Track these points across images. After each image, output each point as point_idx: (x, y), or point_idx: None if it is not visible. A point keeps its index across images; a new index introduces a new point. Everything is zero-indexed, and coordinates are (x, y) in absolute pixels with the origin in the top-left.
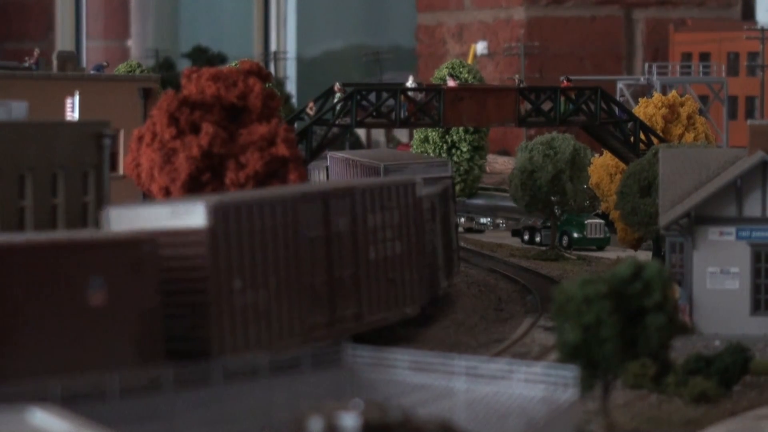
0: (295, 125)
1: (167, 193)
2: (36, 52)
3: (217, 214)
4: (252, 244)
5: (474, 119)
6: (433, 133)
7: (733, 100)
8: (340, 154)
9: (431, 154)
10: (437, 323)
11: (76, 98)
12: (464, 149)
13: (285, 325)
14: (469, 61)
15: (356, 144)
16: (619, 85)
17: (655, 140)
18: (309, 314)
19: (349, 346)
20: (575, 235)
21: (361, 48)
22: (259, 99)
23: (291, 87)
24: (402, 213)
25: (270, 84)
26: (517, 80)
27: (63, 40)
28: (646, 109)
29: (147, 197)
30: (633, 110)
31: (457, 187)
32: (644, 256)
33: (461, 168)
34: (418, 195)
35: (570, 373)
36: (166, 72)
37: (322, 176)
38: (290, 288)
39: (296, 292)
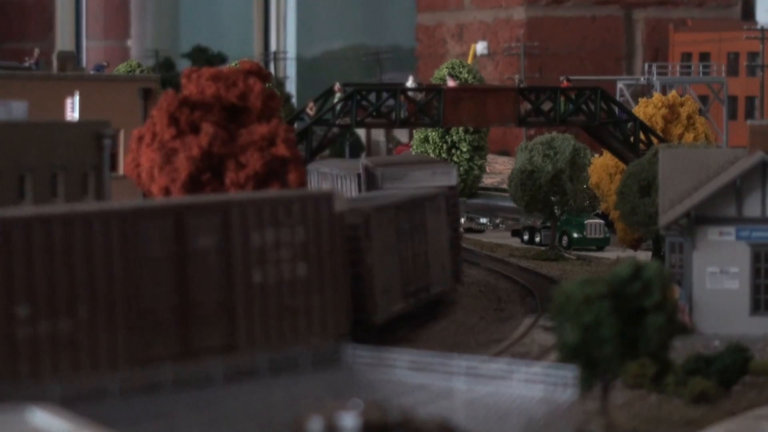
0: (295, 125)
1: (167, 193)
2: (36, 52)
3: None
4: (51, 265)
5: (474, 119)
6: (433, 134)
7: (733, 100)
8: (329, 163)
9: (431, 155)
10: (437, 323)
11: (76, 98)
12: (464, 149)
13: (102, 357)
14: (469, 61)
15: (356, 144)
16: (619, 85)
17: (654, 140)
18: (143, 345)
19: (348, 346)
20: (575, 235)
21: (361, 48)
22: (259, 99)
23: (291, 87)
24: (310, 230)
25: (270, 84)
26: (516, 80)
27: (63, 40)
28: (645, 109)
29: (147, 197)
30: (633, 110)
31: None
32: (644, 256)
33: (461, 168)
34: (338, 209)
35: (569, 373)
36: (166, 72)
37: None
38: (113, 315)
39: (123, 320)
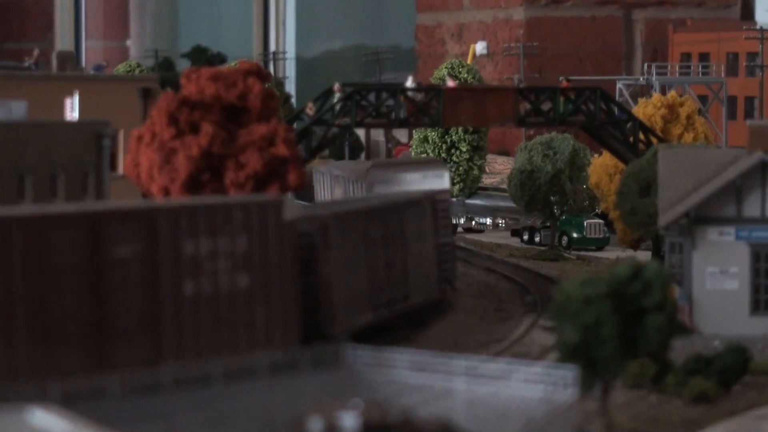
0: (295, 125)
1: (167, 194)
2: (35, 52)
3: None
4: None
5: (473, 119)
6: (433, 133)
7: (732, 101)
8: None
9: (430, 155)
10: (437, 323)
11: (76, 98)
12: (463, 149)
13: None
14: (469, 61)
15: (356, 144)
16: (619, 85)
17: (654, 140)
18: (48, 357)
19: (348, 346)
20: (574, 235)
21: (360, 48)
22: (259, 99)
23: (290, 87)
24: (254, 239)
25: (269, 84)
26: (516, 80)
27: (62, 40)
28: (645, 110)
29: (147, 198)
30: (632, 110)
31: (457, 187)
32: (644, 256)
33: (460, 168)
34: (289, 217)
35: (569, 373)
36: (165, 72)
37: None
38: (12, 327)
39: (24, 332)
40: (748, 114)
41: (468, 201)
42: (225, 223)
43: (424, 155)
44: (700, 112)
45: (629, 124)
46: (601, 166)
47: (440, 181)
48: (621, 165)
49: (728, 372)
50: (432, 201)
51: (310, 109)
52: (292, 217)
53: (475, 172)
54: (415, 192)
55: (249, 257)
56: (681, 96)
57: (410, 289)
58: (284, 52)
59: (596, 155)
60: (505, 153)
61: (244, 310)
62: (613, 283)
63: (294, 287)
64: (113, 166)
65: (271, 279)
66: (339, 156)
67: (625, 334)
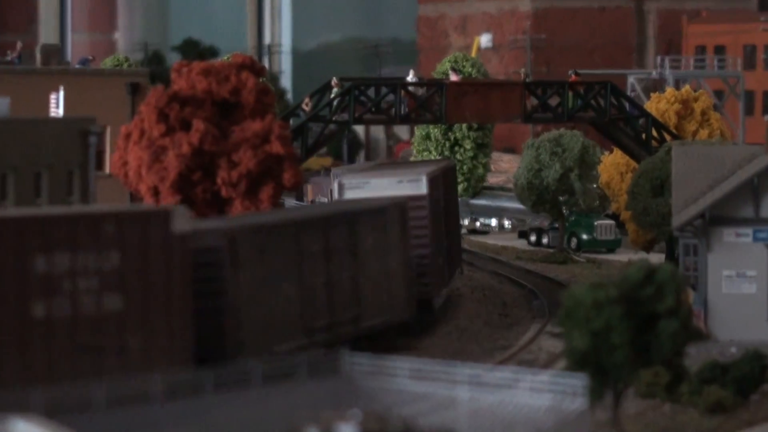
0: (291, 122)
1: (156, 193)
2: (18, 45)
3: None
4: None
5: (478, 115)
6: (435, 130)
7: (749, 95)
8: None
9: (433, 152)
10: (439, 330)
11: (61, 94)
12: (468, 147)
13: None
14: (473, 54)
15: (354, 142)
16: (630, 79)
17: (667, 137)
18: None
19: (347, 353)
20: (584, 236)
21: (359, 41)
22: (253, 94)
23: (286, 82)
24: (131, 255)
25: (264, 79)
26: (523, 74)
27: (46, 33)
28: (658, 105)
29: (134, 198)
30: (644, 106)
31: (461, 186)
32: (657, 258)
33: (464, 166)
34: (182, 229)
35: (579, 381)
36: (154, 66)
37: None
38: None
39: None
40: (766, 109)
41: (472, 201)
42: (89, 236)
43: (426, 153)
44: (715, 107)
45: (641, 120)
46: (612, 165)
47: (416, 186)
48: (633, 163)
49: (746, 380)
50: (401, 209)
51: (307, 105)
52: (186, 230)
53: (480, 170)
54: (377, 199)
55: (122, 276)
56: (696, 90)
57: (363, 311)
58: (279, 45)
59: (607, 153)
60: (512, 151)
61: (113, 335)
62: (625, 286)
63: (186, 310)
64: (100, 164)
65: (153, 301)
66: (337, 154)
67: (637, 340)
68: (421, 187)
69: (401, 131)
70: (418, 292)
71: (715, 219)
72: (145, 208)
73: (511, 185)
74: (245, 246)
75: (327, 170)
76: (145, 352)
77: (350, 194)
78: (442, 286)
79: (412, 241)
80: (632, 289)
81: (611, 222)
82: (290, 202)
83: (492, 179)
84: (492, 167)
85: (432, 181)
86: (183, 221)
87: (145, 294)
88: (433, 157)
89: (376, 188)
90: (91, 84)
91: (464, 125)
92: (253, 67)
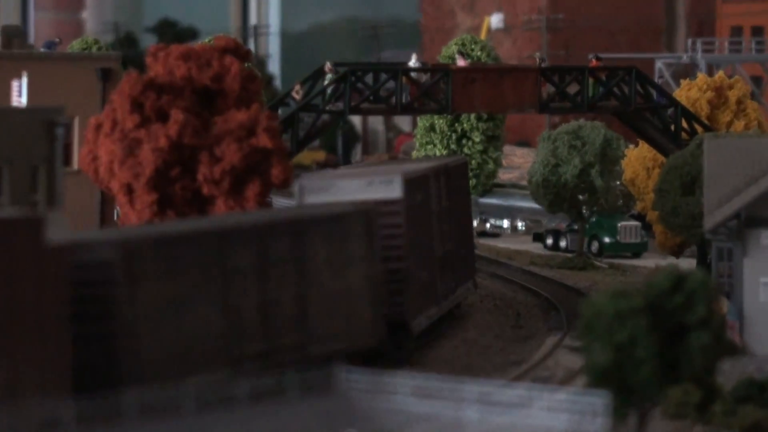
0: (279, 112)
1: (130, 191)
2: None
3: None
4: None
5: (488, 104)
6: (441, 121)
7: None
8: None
9: (437, 146)
10: (446, 343)
11: (24, 81)
12: (477, 139)
13: None
14: (482, 36)
15: (350, 134)
16: (658, 64)
17: (699, 129)
18: None
19: (342, 368)
20: (606, 239)
21: (355, 21)
22: (237, 81)
23: (274, 67)
24: None
25: (249, 64)
26: (538, 59)
27: (6, 13)
28: (689, 93)
29: (106, 196)
30: (674, 94)
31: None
32: (687, 264)
33: (473, 162)
34: (56, 241)
35: (600, 400)
36: (127, 49)
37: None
38: None
39: None
40: None
41: (482, 200)
42: None
43: (430, 147)
44: (752, 95)
45: (670, 110)
46: (638, 159)
47: (389, 189)
48: (660, 158)
49: None
50: (366, 216)
51: (297, 93)
52: (64, 242)
53: (490, 166)
54: (335, 205)
55: None
56: (730, 77)
57: (312, 336)
58: (267, 26)
59: (631, 146)
60: (526, 144)
61: None
62: (651, 295)
63: (61, 336)
64: (67, 159)
65: (19, 326)
66: (331, 148)
67: (664, 354)
68: (395, 190)
69: (402, 122)
70: (390, 314)
71: (751, 220)
72: (12, 215)
73: (524, 182)
74: (147, 260)
75: (320, 165)
76: (10, 385)
77: (312, 198)
78: (428, 305)
79: (385, 252)
80: (659, 298)
81: (636, 223)
82: (281, 201)
83: (504, 175)
84: (503, 162)
85: (411, 183)
86: (60, 231)
87: (9, 317)
88: (437, 152)
89: (343, 191)
90: (58, 70)
91: (473, 116)
92: (237, 50)
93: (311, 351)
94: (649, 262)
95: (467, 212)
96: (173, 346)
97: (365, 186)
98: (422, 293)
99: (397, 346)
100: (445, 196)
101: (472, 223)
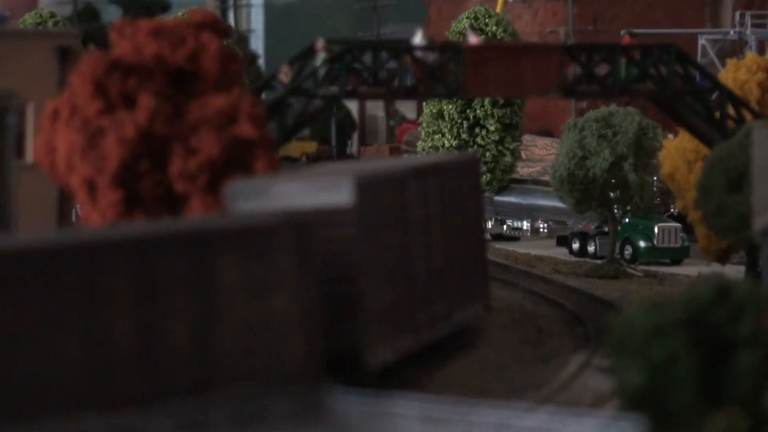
0: (264, 96)
1: (92, 188)
2: None
3: None
4: None
5: (504, 88)
6: (450, 107)
7: None
8: None
9: (446, 135)
10: (456, 362)
11: None
12: (491, 128)
13: None
14: (498, 9)
15: (346, 122)
16: (701, 41)
17: (748, 116)
18: None
19: (339, 390)
20: (642, 243)
21: None
22: (215, 61)
23: (257, 44)
24: None
25: (229, 41)
26: (562, 35)
27: None
28: (736, 74)
29: (65, 193)
30: (719, 75)
31: (483, 179)
32: (735, 272)
33: (488, 154)
34: None
35: (633, 427)
36: (88, 24)
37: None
38: None
39: None
40: None
41: (497, 198)
42: None
43: (438, 136)
44: None
45: (714, 95)
46: (677, 151)
47: (336, 194)
48: (703, 149)
49: None
50: (298, 227)
51: (285, 75)
52: None
53: (507, 159)
54: (254, 215)
55: None
56: None
57: (217, 374)
58: None
59: (670, 136)
60: (548, 133)
61: None
62: (692, 308)
63: None
64: (20, 151)
65: None
66: (323, 138)
67: (707, 375)
68: (343, 196)
69: (406, 108)
70: (335, 346)
71: None
72: None
73: (547, 177)
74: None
75: (311, 158)
76: None
77: (245, 204)
78: (397, 334)
79: (330, 272)
80: (702, 311)
81: (676, 225)
82: None
83: (523, 170)
84: (523, 154)
85: (369, 187)
86: None
87: None
88: (446, 142)
89: (283, 196)
90: (8, 48)
91: (487, 100)
92: (215, 25)
93: (217, 391)
94: (690, 269)
95: (475, 220)
96: (14, 385)
97: (311, 190)
98: (387, 320)
99: (347, 384)
100: (436, 200)
101: (482, 233)
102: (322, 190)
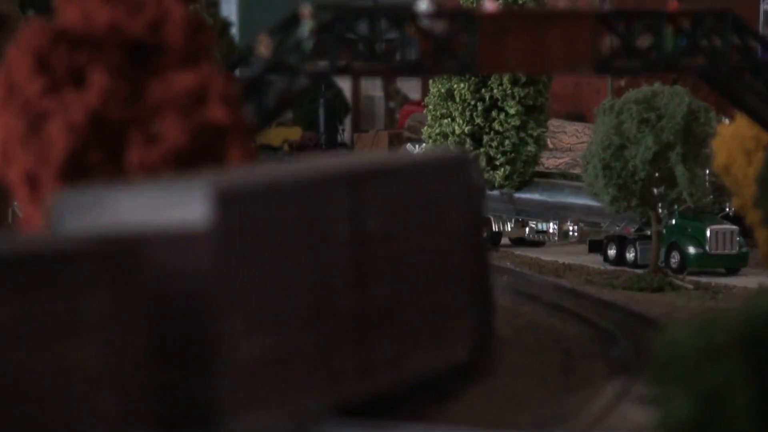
0: (238, 72)
1: (34, 182)
2: None
3: None
4: None
5: (527, 63)
6: (462, 85)
7: None
8: None
9: (456, 120)
10: (470, 391)
11: None
12: (511, 111)
13: None
14: None
15: (337, 103)
16: (764, 6)
17: None
18: None
19: (337, 421)
20: (691, 249)
21: None
22: (181, 31)
23: (229, 10)
24: None
25: (197, 6)
26: (596, 0)
27: None
28: None
29: (1, 189)
30: None
31: (501, 172)
32: None
33: (507, 142)
34: None
35: None
36: None
37: None
38: None
39: None
40: None
41: (518, 195)
42: None
43: (446, 121)
44: None
45: None
46: (734, 139)
47: (186, 209)
48: (765, 137)
49: None
50: (117, 255)
51: (265, 47)
52: None
53: (530, 148)
54: (58, 239)
55: None
56: None
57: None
58: None
59: (726, 120)
60: (579, 117)
61: None
62: (751, 326)
63: None
64: None
65: None
66: (309, 122)
67: (766, 405)
68: (193, 211)
69: (409, 87)
70: (180, 408)
71: None
72: None
73: (578, 170)
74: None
75: (295, 147)
76: None
77: (75, 220)
78: (292, 393)
79: (177, 308)
80: (762, 331)
81: (732, 228)
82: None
83: (549, 161)
84: (549, 143)
85: (240, 200)
86: None
87: None
88: (457, 127)
89: (120, 211)
90: None
91: (506, 78)
92: None
93: None
94: (749, 280)
95: (463, 234)
96: None
97: (157, 202)
98: (272, 374)
99: None
100: (382, 214)
101: (477, 250)
102: (171, 202)
